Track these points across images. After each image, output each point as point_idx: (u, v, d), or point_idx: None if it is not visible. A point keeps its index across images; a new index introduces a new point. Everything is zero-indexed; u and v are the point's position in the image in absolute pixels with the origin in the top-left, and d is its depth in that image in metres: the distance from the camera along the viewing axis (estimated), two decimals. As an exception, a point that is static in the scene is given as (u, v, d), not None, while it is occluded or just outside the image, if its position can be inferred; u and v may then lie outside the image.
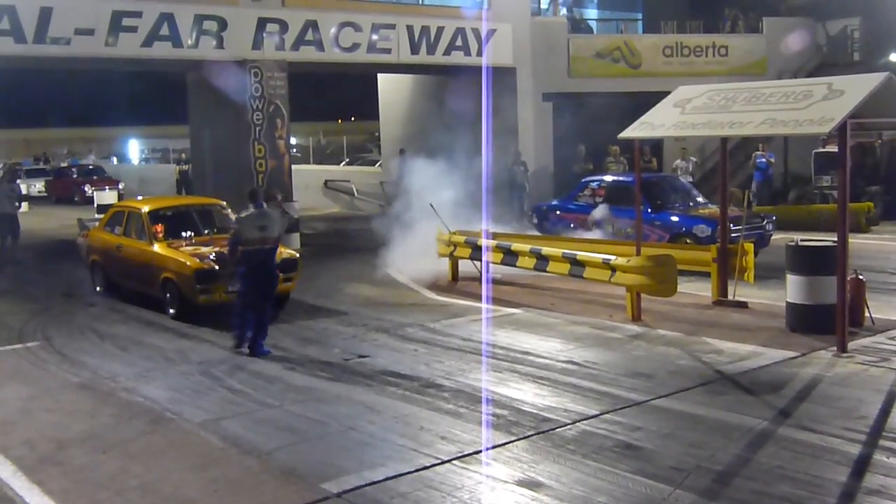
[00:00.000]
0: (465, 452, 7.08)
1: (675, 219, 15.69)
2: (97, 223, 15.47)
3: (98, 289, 14.52)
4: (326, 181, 30.70)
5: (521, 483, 6.49)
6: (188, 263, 12.27)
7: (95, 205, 31.09)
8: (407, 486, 6.47)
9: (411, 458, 7.00)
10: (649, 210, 15.46)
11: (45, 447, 7.56)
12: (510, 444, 7.27)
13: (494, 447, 7.19)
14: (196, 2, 19.51)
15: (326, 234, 22.49)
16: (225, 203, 14.58)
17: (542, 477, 6.59)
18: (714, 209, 14.99)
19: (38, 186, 38.46)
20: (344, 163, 35.50)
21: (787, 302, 10.92)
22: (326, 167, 34.72)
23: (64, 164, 44.74)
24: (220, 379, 9.55)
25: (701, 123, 11.22)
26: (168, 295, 12.69)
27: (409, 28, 21.94)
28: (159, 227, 13.33)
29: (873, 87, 9.98)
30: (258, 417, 8.23)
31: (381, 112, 28.52)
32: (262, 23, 20.03)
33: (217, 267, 12.14)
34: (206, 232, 13.64)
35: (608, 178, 18.06)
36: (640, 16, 31.55)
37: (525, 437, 7.43)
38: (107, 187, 35.73)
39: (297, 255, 13.45)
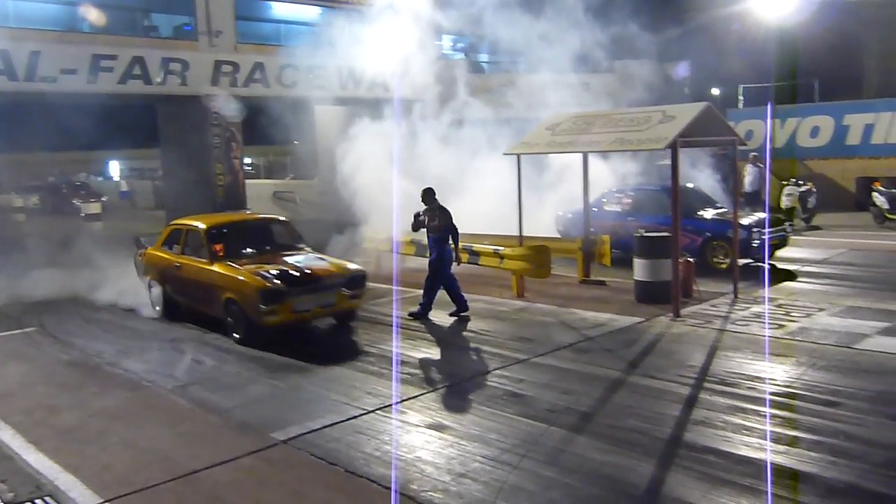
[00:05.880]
0: (386, 404, 7.09)
1: (705, 224, 13.40)
2: (155, 241, 12.12)
3: (157, 308, 11.49)
4: (275, 192, 30.15)
5: (431, 426, 6.52)
6: (251, 283, 9.42)
7: (82, 214, 30.01)
8: (340, 432, 6.45)
9: (344, 410, 6.97)
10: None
11: (40, 413, 7.30)
12: (421, 396, 7.29)
13: (409, 399, 7.21)
14: (162, 47, 18.98)
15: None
16: (284, 218, 11.89)
17: (447, 421, 6.63)
18: (737, 212, 13.24)
19: (33, 200, 37.07)
20: (289, 177, 34.94)
21: (634, 280, 11.18)
22: (275, 181, 34.12)
23: (53, 180, 43.19)
24: (189, 353, 9.35)
25: (567, 142, 11.39)
26: (231, 317, 9.82)
27: (339, 69, 21.72)
28: (219, 246, 10.45)
29: (696, 113, 10.32)
30: (219, 383, 8.08)
31: (318, 136, 28.10)
32: (218, 64, 19.59)
33: (283, 286, 9.43)
34: (267, 249, 10.82)
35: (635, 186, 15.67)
36: (521, 59, 31.78)
37: (433, 390, 7.47)
38: (91, 200, 34.64)
39: (364, 271, 10.52)
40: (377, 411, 6.92)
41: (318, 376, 8.14)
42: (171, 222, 11.83)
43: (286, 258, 10.29)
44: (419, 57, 18.66)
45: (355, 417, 6.78)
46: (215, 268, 10.04)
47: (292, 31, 22.49)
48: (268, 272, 9.57)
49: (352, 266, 10.29)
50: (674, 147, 9.86)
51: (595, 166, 15.29)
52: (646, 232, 11.21)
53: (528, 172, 15.91)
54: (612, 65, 27.92)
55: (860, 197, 22.03)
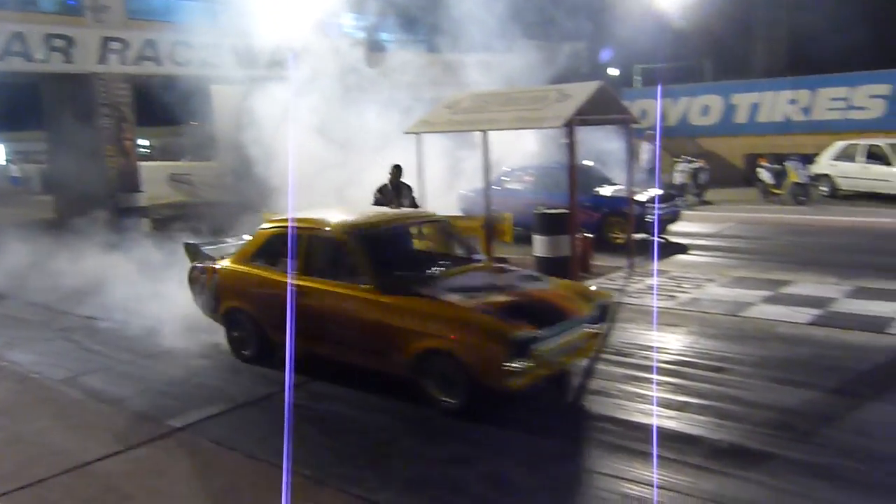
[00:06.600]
0: (285, 386, 6.94)
1: (602, 200, 13.80)
2: (227, 250, 8.70)
3: (246, 353, 7.80)
4: (171, 174, 29.19)
5: (327, 406, 6.50)
6: (489, 327, 5.90)
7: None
8: (236, 415, 6.38)
9: (243, 396, 6.86)
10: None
11: (-84, 411, 6.88)
12: (316, 379, 7.15)
13: (306, 381, 7.12)
14: (45, 22, 17.97)
15: (173, 218, 21.37)
16: (441, 216, 8.59)
17: (347, 401, 6.59)
18: (632, 189, 12.46)
19: None
20: (187, 159, 33.88)
21: (534, 256, 11.38)
22: (171, 163, 33.00)
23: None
24: (79, 342, 8.95)
25: (466, 121, 11.46)
26: (432, 378, 6.15)
27: (235, 46, 21.07)
28: (382, 261, 6.82)
29: (591, 92, 10.58)
30: (114, 372, 7.78)
31: (216, 117, 27.30)
32: (105, 41, 18.69)
33: (534, 329, 5.90)
34: (442, 264, 7.33)
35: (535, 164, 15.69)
36: (422, 38, 31.69)
37: (333, 373, 7.23)
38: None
39: (611, 296, 7.64)
40: (277, 394, 6.80)
41: (217, 362, 7.93)
42: (269, 223, 8.02)
43: (485, 280, 6.92)
44: (319, 35, 18.36)
45: (255, 402, 6.69)
46: (392, 301, 6.37)
47: (186, 6, 21.66)
48: (494, 307, 6.15)
49: (594, 290, 7.25)
50: (570, 125, 10.07)
51: (511, 143, 15.40)
52: (545, 209, 11.40)
53: (448, 148, 15.96)
54: (512, 45, 28.20)
55: (747, 173, 23.11)
